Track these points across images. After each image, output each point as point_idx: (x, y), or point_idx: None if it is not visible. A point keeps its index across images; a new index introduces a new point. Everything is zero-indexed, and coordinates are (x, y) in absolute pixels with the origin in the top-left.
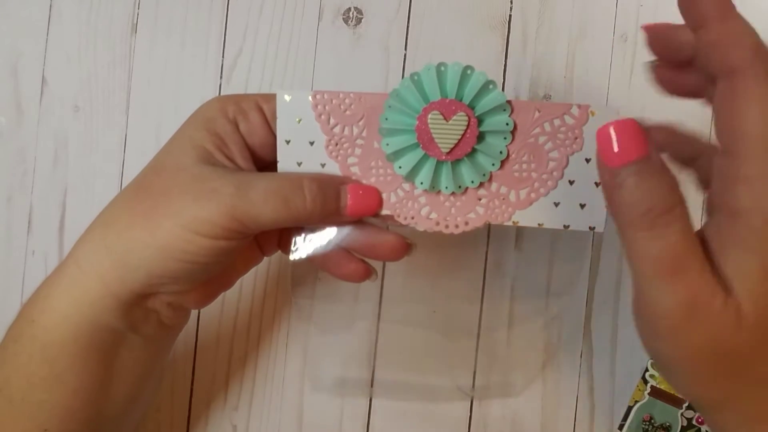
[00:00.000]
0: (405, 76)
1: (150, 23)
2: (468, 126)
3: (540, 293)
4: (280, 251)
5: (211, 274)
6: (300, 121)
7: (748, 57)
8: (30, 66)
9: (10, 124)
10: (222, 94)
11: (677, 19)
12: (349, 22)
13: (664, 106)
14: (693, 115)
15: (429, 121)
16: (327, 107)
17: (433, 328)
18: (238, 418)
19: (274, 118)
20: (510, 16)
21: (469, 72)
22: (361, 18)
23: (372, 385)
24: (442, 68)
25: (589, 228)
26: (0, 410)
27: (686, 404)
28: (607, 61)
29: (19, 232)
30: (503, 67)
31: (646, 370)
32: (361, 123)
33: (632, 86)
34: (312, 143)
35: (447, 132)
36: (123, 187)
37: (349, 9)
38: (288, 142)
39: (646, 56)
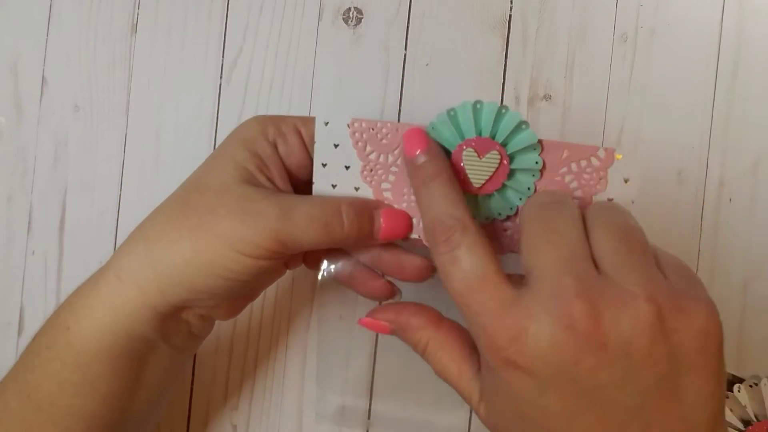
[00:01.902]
0: (404, 75)
1: (150, 23)
2: (500, 164)
3: None
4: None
5: (248, 291)
6: (337, 146)
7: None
8: (30, 66)
9: (10, 124)
10: (222, 94)
11: (677, 18)
12: (349, 22)
13: (663, 106)
14: (693, 115)
15: (463, 157)
16: (364, 135)
17: None
18: (238, 418)
19: (312, 141)
20: (510, 16)
21: (503, 111)
22: (361, 18)
23: (369, 417)
24: (478, 106)
25: None
26: (28, 415)
27: None
28: (607, 61)
29: (19, 232)
30: (503, 67)
31: None
32: (396, 152)
33: (632, 86)
34: (348, 167)
35: (479, 169)
36: (123, 187)
37: (349, 9)
38: (324, 165)
39: (646, 56)
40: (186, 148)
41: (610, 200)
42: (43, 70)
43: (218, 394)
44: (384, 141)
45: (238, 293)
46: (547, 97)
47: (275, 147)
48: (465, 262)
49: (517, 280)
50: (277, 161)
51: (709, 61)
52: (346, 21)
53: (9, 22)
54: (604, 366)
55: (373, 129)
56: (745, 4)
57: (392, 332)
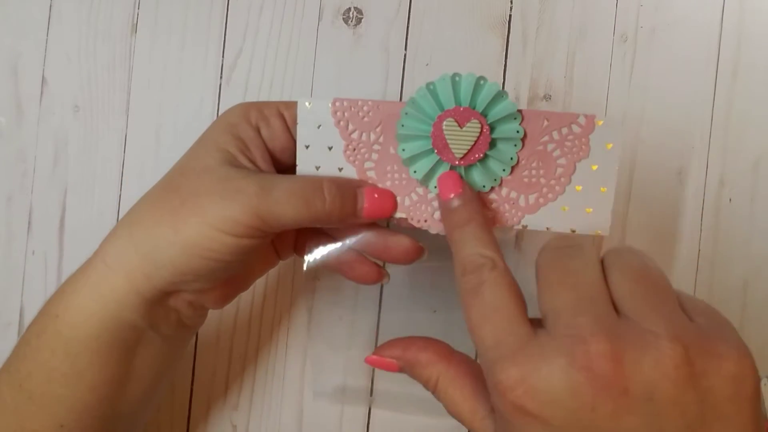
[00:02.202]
0: (404, 75)
1: (150, 23)
2: (481, 133)
3: None
4: (295, 255)
5: (232, 273)
6: (320, 126)
7: None
8: (30, 66)
9: (10, 124)
10: (222, 94)
11: (677, 18)
12: (349, 22)
13: (663, 106)
14: (693, 115)
15: (444, 127)
16: (346, 114)
17: (433, 328)
18: (238, 417)
19: (295, 124)
20: (510, 16)
21: (482, 82)
22: (361, 18)
23: (372, 394)
24: (457, 78)
25: (596, 233)
26: (20, 405)
27: None
28: (607, 61)
29: (19, 232)
30: (503, 67)
31: None
32: (378, 129)
33: (632, 86)
34: (330, 148)
35: (461, 138)
36: (123, 187)
37: (349, 9)
38: (307, 147)
39: (646, 56)
40: (186, 148)
41: (594, 167)
42: (43, 70)
43: (218, 394)
44: (365, 119)
45: (224, 275)
46: (547, 97)
47: (258, 130)
48: (487, 294)
49: (537, 324)
50: (260, 144)
51: (709, 61)
52: (346, 21)
53: (9, 22)
54: (624, 412)
55: (354, 107)
56: (745, 4)
57: (401, 370)
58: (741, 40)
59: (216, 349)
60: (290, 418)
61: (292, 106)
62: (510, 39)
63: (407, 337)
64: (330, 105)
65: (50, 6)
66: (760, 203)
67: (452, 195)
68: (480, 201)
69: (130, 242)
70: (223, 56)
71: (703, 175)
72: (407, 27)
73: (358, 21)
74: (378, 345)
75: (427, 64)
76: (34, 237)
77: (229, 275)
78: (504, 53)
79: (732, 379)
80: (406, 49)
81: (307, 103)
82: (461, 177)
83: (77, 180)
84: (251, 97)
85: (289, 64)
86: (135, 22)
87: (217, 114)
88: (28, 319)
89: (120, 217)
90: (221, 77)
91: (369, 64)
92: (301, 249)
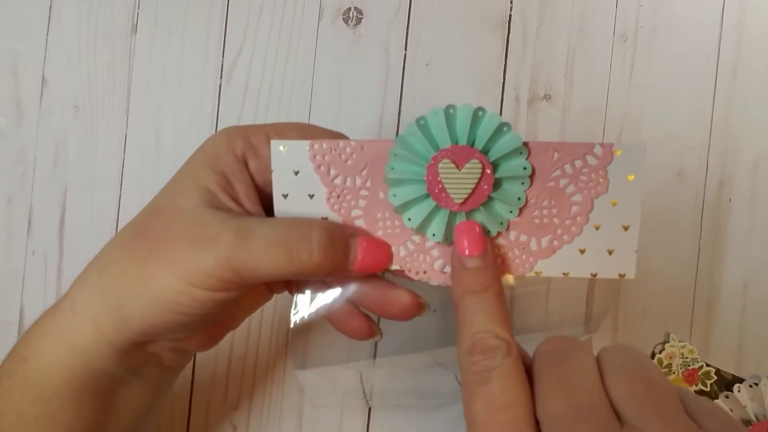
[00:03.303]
0: (404, 75)
1: (150, 23)
2: (482, 174)
3: (540, 294)
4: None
5: (210, 323)
6: (297, 173)
7: None
8: (30, 66)
9: (10, 124)
10: (222, 94)
11: (677, 18)
12: (349, 22)
13: (663, 106)
14: (693, 115)
15: (440, 170)
16: (326, 157)
17: (433, 328)
18: (238, 418)
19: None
20: (510, 16)
21: (480, 114)
22: (361, 18)
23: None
24: (451, 111)
25: (619, 275)
26: None
27: None
28: (607, 61)
29: (19, 232)
30: (503, 67)
31: None
32: (364, 173)
33: (632, 86)
34: (312, 196)
35: (459, 181)
36: (123, 187)
37: (349, 9)
38: (285, 196)
39: (646, 56)
40: (186, 148)
41: (615, 203)
42: (43, 70)
43: (218, 394)
44: (349, 162)
45: (199, 326)
46: (547, 97)
47: (244, 163)
48: (496, 386)
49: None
50: (245, 178)
51: (709, 61)
52: (346, 21)
53: (9, 22)
54: None
55: (335, 150)
56: (745, 4)
57: None
58: (741, 40)
59: (216, 350)
60: (290, 418)
61: (283, 130)
62: (510, 39)
63: None
64: (307, 148)
65: (50, 6)
66: (760, 203)
67: (474, 253)
68: (498, 269)
69: (98, 289)
70: (223, 56)
71: (703, 175)
72: (407, 27)
73: (358, 21)
74: (377, 348)
75: (427, 64)
76: (34, 237)
77: (207, 325)
78: (504, 53)
79: None
80: (406, 49)
81: (281, 147)
82: (484, 234)
83: (77, 180)
84: (251, 97)
85: (289, 64)
86: (135, 22)
87: (217, 114)
88: (29, 319)
89: (120, 217)
90: (221, 77)
91: (369, 64)
92: (291, 285)
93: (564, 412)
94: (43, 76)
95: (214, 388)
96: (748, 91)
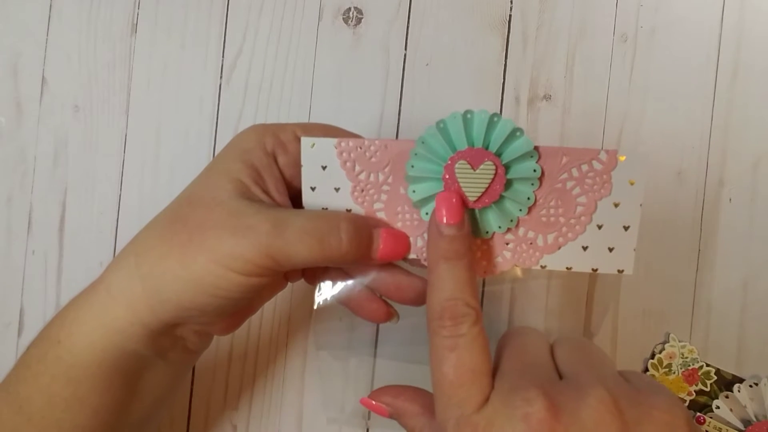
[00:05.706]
0: (404, 75)
1: (150, 23)
2: (495, 174)
3: (540, 295)
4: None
5: (240, 308)
6: (325, 168)
7: None
8: (30, 66)
9: (10, 124)
10: (222, 94)
11: (677, 18)
12: (349, 22)
13: (663, 106)
14: (693, 115)
15: (456, 170)
16: (352, 155)
17: None
18: (238, 418)
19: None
20: (510, 16)
21: (495, 119)
22: (361, 18)
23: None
24: (469, 116)
25: (618, 271)
26: (18, 427)
27: (685, 404)
28: (607, 61)
29: (19, 232)
30: (503, 67)
31: (646, 370)
32: (386, 170)
33: (632, 86)
34: (337, 189)
35: (474, 181)
36: (123, 187)
37: (349, 9)
38: (313, 189)
39: (646, 56)
40: (186, 148)
41: (617, 205)
42: (43, 70)
43: (218, 394)
44: (373, 159)
45: (231, 310)
46: (547, 97)
47: (274, 158)
48: (465, 352)
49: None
50: (274, 172)
51: (709, 61)
52: (346, 21)
53: (9, 22)
54: None
55: (360, 148)
56: (745, 4)
57: (390, 416)
58: (741, 40)
59: (216, 350)
60: (290, 419)
61: (309, 128)
62: (510, 39)
63: (399, 386)
64: (335, 145)
65: (50, 6)
66: (760, 203)
67: (452, 222)
68: (471, 241)
69: (136, 273)
70: (223, 56)
71: (703, 175)
72: (407, 27)
73: (358, 21)
74: (377, 348)
75: (427, 64)
76: (34, 237)
77: (238, 309)
78: (504, 53)
79: (665, 426)
80: (406, 49)
81: (310, 144)
82: (462, 205)
83: (77, 180)
84: (251, 97)
85: (289, 64)
86: (135, 22)
87: (218, 114)
88: (29, 319)
89: (120, 217)
90: (221, 77)
91: (369, 64)
92: (309, 275)
93: (514, 368)
94: (43, 76)
95: (214, 388)
96: (748, 91)
